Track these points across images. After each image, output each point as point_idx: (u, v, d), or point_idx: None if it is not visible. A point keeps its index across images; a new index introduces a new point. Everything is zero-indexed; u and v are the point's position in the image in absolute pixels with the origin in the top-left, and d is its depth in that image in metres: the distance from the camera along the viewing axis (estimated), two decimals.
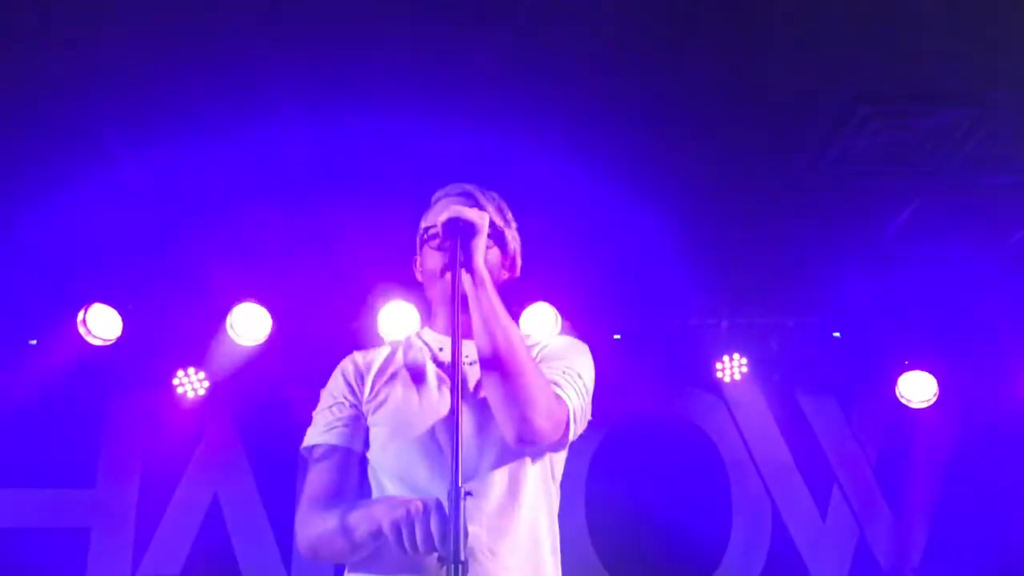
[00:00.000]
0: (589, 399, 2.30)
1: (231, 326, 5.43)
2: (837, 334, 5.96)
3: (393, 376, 2.30)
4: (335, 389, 2.33)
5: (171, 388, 5.78)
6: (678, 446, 6.04)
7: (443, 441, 2.14)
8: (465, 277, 2.08)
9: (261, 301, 5.46)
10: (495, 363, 2.05)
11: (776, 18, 3.54)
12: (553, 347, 2.35)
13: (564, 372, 2.24)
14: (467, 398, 2.16)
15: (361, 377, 2.32)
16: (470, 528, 1.81)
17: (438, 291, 2.32)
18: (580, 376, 2.28)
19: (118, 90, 4.00)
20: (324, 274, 5.19)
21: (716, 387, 6.10)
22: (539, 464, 2.25)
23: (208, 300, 5.54)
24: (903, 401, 5.87)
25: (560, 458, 2.34)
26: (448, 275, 2.19)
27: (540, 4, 3.36)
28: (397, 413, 2.22)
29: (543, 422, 2.07)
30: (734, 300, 5.79)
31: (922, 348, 5.85)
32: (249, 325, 5.43)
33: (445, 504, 1.77)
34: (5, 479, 5.70)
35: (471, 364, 2.23)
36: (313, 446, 2.28)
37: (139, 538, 5.72)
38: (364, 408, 2.28)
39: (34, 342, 5.69)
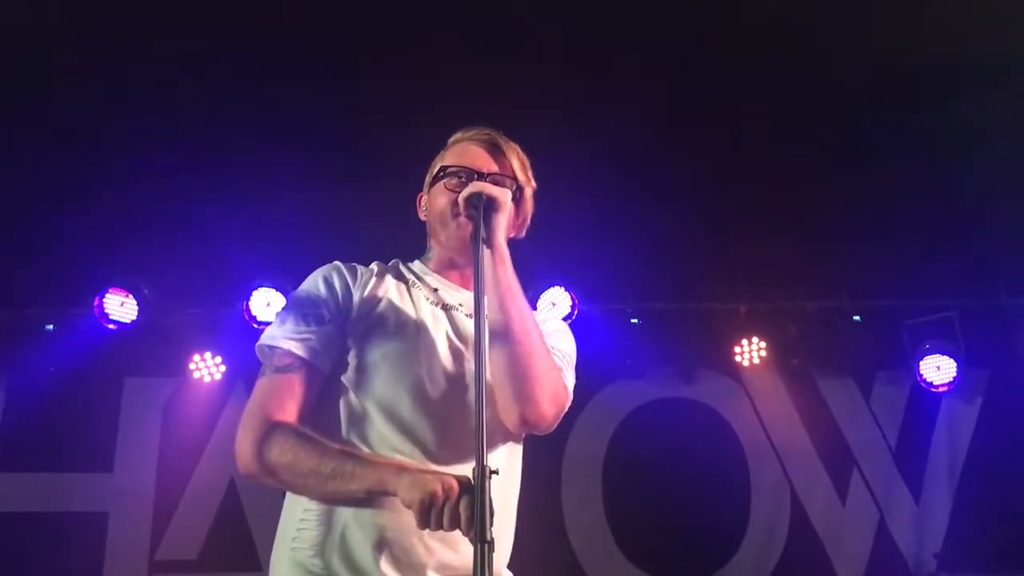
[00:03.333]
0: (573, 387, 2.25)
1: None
2: (857, 317, 5.90)
3: (385, 302, 2.16)
4: (315, 296, 2.14)
5: (188, 373, 5.79)
6: (696, 430, 6.00)
7: (434, 379, 2.06)
8: (485, 251, 2.02)
9: (276, 285, 5.46)
10: (509, 342, 2.01)
11: None
12: (547, 329, 2.25)
13: (562, 358, 2.21)
14: (472, 360, 2.05)
15: (348, 292, 2.16)
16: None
17: (444, 236, 2.22)
18: (572, 363, 2.25)
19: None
20: (337, 254, 5.18)
21: (735, 371, 6.06)
22: (521, 445, 2.22)
23: (224, 285, 5.54)
24: (924, 384, 5.81)
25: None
26: (460, 228, 2.14)
27: None
28: (389, 343, 2.08)
29: (548, 407, 2.04)
30: (753, 284, 5.74)
31: (943, 330, 5.78)
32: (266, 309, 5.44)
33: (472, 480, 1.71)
34: (24, 463, 5.72)
35: (468, 316, 2.17)
36: (276, 348, 2.09)
37: (157, 522, 5.74)
38: (347, 327, 2.12)
39: (51, 327, 5.70)
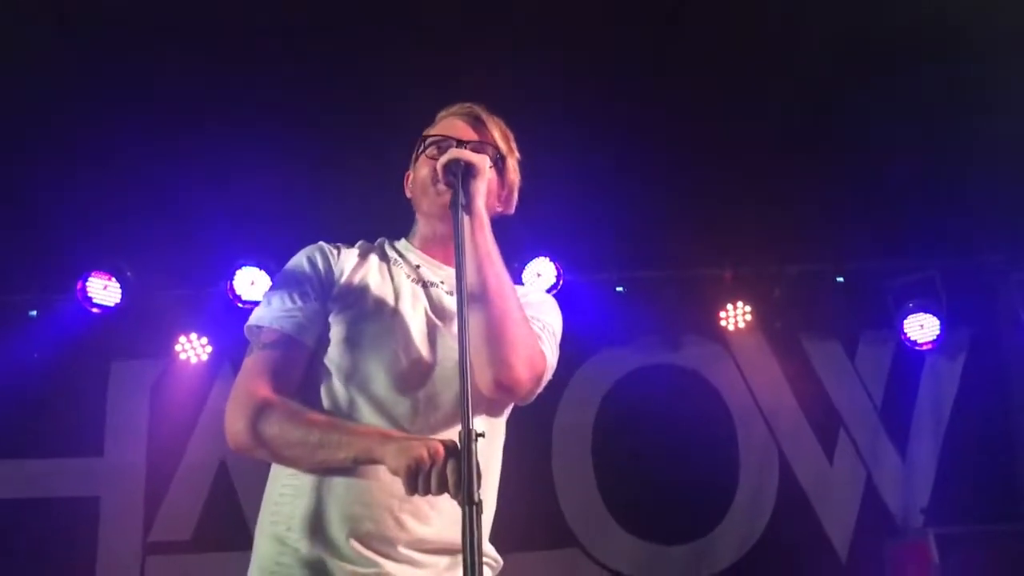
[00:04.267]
0: (556, 359, 2.26)
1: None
2: (840, 279, 5.94)
3: (364, 281, 2.20)
4: (300, 274, 2.19)
5: (174, 354, 5.78)
6: (684, 396, 6.03)
7: (413, 358, 2.08)
8: (464, 217, 2.04)
9: (260, 263, 5.44)
10: (485, 305, 2.03)
11: None
12: (528, 300, 2.28)
13: (543, 328, 2.22)
14: (448, 336, 2.12)
15: (331, 273, 2.20)
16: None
17: (426, 204, 2.25)
18: (554, 334, 2.26)
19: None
20: (323, 234, 5.17)
21: (720, 336, 6.09)
22: (506, 411, 2.24)
23: (208, 265, 5.51)
24: (908, 343, 5.86)
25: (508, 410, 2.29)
26: (440, 195, 2.16)
27: None
28: (366, 321, 2.12)
29: (523, 370, 2.05)
30: (736, 249, 5.76)
31: (925, 289, 5.82)
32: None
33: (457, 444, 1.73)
34: (13, 450, 5.72)
35: (449, 293, 2.21)
36: (264, 327, 2.14)
37: (148, 505, 5.75)
38: (329, 305, 2.16)
39: (34, 313, 5.68)
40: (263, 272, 5.45)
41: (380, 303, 2.16)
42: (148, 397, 5.91)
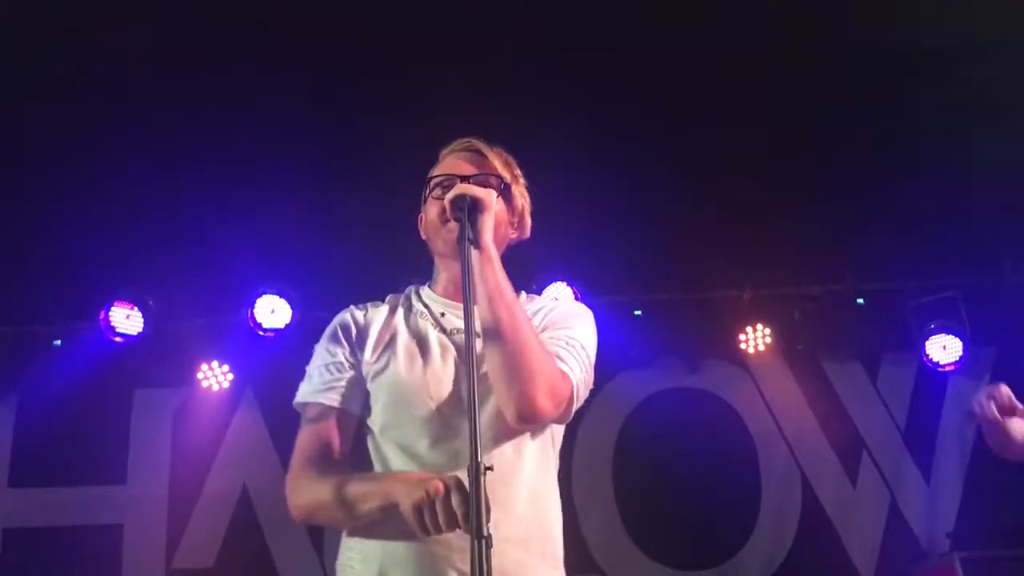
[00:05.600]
0: (591, 368, 2.27)
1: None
2: (860, 300, 5.91)
3: (394, 340, 2.24)
4: (333, 346, 2.27)
5: (196, 382, 5.81)
6: (704, 419, 6.00)
7: (446, 412, 2.12)
8: (473, 252, 2.06)
9: (280, 292, 5.48)
10: (498, 340, 2.04)
11: None
12: (557, 313, 2.31)
13: (568, 343, 2.21)
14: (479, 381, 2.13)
15: (362, 338, 2.26)
16: None
17: (440, 244, 2.28)
18: (583, 346, 2.25)
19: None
20: (342, 261, 5.20)
21: (740, 359, 6.06)
22: (540, 437, 2.23)
23: (228, 293, 5.56)
24: (930, 364, 5.81)
25: (560, 428, 2.30)
26: (450, 232, 2.18)
27: None
28: (400, 381, 2.17)
29: (545, 401, 2.05)
30: (755, 271, 5.75)
31: (947, 309, 5.78)
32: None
33: (465, 480, 1.75)
34: (38, 479, 5.76)
35: (476, 335, 2.18)
36: (308, 403, 2.23)
37: (171, 532, 5.76)
38: (364, 371, 2.22)
39: (58, 343, 5.73)
40: (284, 300, 5.49)
41: (411, 364, 2.19)
42: (170, 425, 5.94)
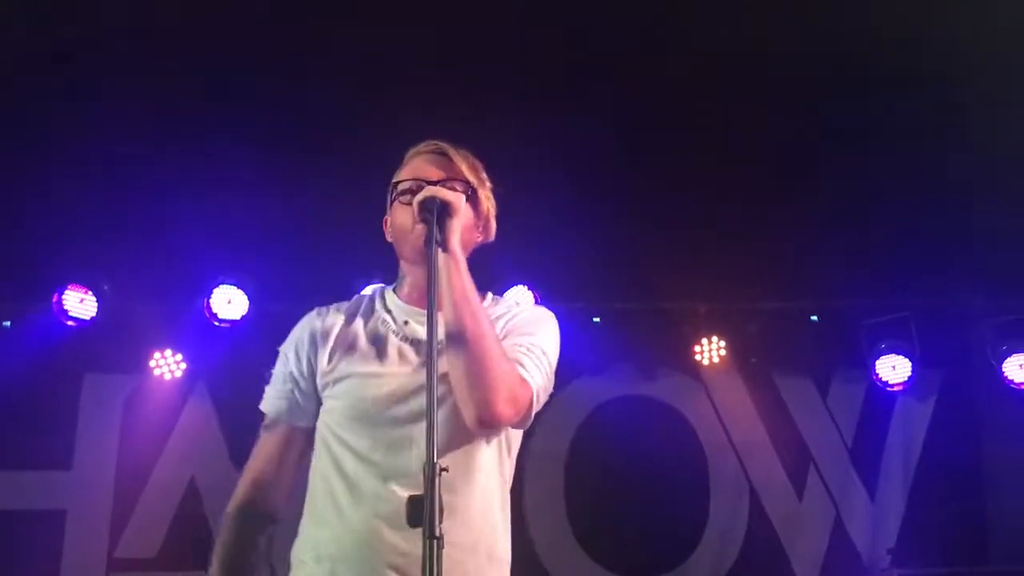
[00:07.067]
0: (552, 374, 2.28)
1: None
2: (815, 318, 5.99)
3: (352, 347, 2.23)
4: (290, 355, 2.30)
5: (148, 370, 5.75)
6: (657, 428, 6.06)
7: (401, 420, 2.11)
8: (440, 256, 2.05)
9: (238, 282, 5.44)
10: (461, 345, 2.04)
11: None
12: (521, 319, 2.30)
13: (529, 349, 2.21)
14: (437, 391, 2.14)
15: (316, 348, 2.26)
16: None
17: (407, 249, 2.25)
18: (545, 352, 2.25)
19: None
20: (301, 255, 5.17)
21: (695, 370, 6.12)
22: (495, 441, 2.23)
23: (186, 282, 5.50)
24: (880, 383, 5.91)
25: (517, 435, 2.31)
26: (418, 236, 2.14)
27: None
28: (356, 390, 2.17)
29: (505, 407, 2.06)
30: (712, 285, 5.80)
31: (898, 330, 5.88)
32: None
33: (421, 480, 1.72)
34: None
35: (436, 349, 2.21)
36: (264, 411, 2.33)
37: (116, 520, 5.68)
38: (319, 380, 2.23)
39: (8, 324, 5.64)
40: (241, 291, 5.45)
41: (368, 372, 2.19)
42: (120, 412, 5.86)
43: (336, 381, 2.20)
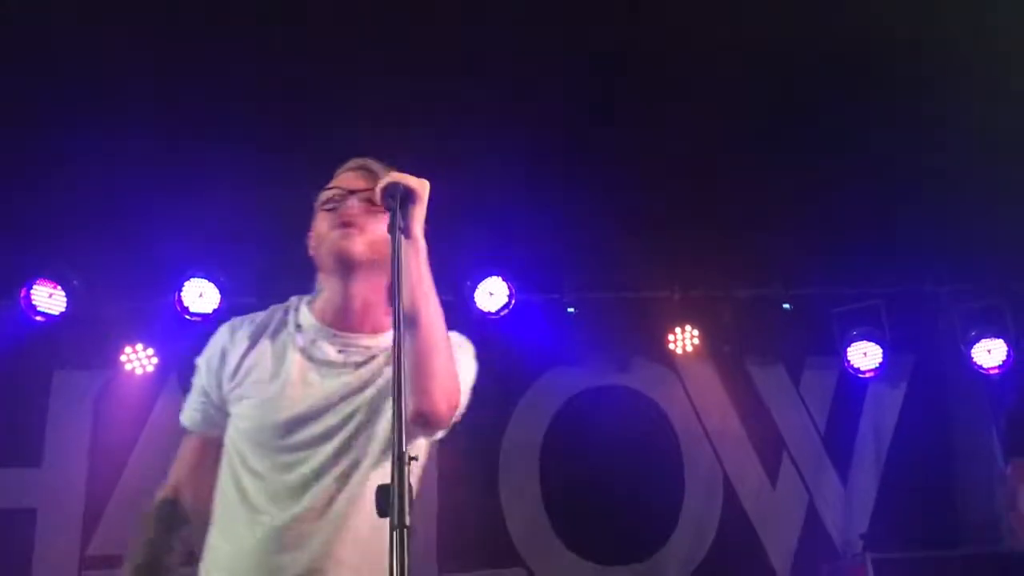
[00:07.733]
0: (466, 398, 2.27)
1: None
2: (787, 305, 6.03)
3: (255, 367, 2.25)
4: (203, 369, 2.36)
5: (119, 365, 5.69)
6: (632, 417, 6.08)
7: (297, 442, 2.14)
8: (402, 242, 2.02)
9: (209, 275, 5.39)
10: (414, 334, 2.03)
11: None
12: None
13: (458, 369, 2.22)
14: (333, 416, 2.17)
15: (224, 364, 2.29)
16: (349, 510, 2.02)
17: (324, 251, 2.23)
18: (464, 380, 2.24)
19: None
20: (272, 248, 5.14)
21: (668, 359, 6.15)
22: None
23: (156, 276, 5.45)
24: (851, 370, 5.96)
25: (424, 449, 2.28)
26: (334, 242, 2.18)
27: None
28: (255, 414, 2.19)
29: (442, 402, 2.07)
30: (685, 273, 5.83)
31: (869, 317, 5.94)
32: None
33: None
34: None
35: (342, 365, 2.21)
36: (181, 422, 2.40)
37: (88, 517, 5.63)
38: (225, 395, 2.27)
39: None
40: (212, 284, 5.41)
41: (267, 388, 2.20)
42: (91, 408, 5.80)
43: (239, 400, 2.23)
